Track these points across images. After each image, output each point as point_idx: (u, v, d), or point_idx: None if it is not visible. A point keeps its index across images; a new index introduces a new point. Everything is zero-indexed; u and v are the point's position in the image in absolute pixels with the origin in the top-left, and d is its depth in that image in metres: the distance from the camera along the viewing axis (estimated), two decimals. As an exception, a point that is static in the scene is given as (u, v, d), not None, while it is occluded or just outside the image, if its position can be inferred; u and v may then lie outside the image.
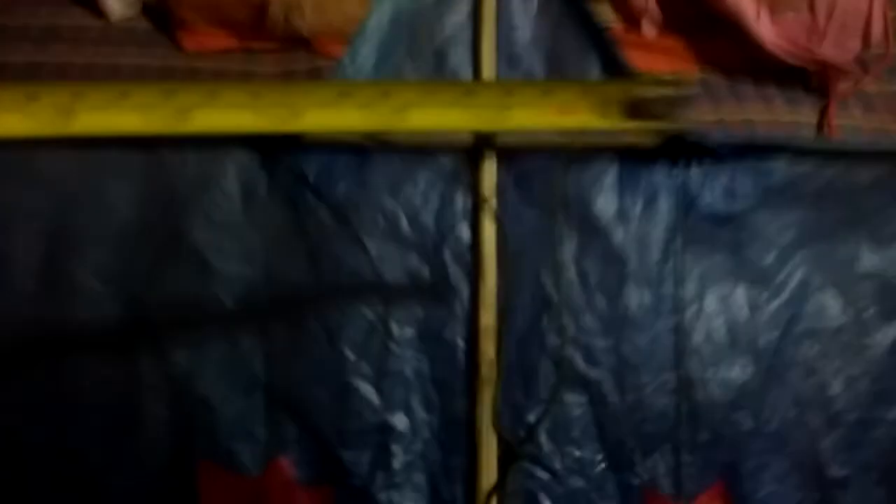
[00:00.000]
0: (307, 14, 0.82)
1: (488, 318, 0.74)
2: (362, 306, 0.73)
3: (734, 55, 0.85)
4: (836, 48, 0.85)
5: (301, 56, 0.84)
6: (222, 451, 0.71)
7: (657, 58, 0.87)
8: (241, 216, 0.75)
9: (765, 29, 0.84)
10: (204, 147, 0.75)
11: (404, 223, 0.75)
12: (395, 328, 0.73)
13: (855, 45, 0.85)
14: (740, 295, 0.78)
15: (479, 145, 0.76)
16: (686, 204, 0.79)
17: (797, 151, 0.81)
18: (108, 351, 0.73)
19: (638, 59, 0.86)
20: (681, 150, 0.80)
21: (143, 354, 0.73)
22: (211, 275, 0.74)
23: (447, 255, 0.75)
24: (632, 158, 0.80)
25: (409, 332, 0.73)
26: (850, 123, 0.84)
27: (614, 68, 0.82)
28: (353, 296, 0.74)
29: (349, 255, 0.74)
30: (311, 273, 0.74)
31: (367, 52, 0.78)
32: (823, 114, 0.83)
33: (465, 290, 0.74)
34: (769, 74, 0.85)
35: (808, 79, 0.85)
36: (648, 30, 0.87)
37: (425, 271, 0.75)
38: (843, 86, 0.85)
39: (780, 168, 0.81)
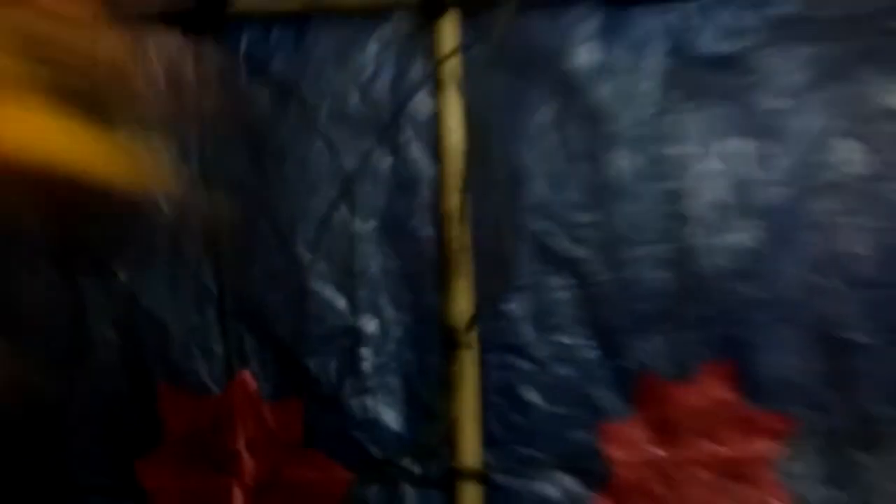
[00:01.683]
0: None
1: (455, 200, 0.65)
2: (315, 199, 0.65)
3: None
4: None
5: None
6: (179, 371, 0.65)
7: None
8: (167, 108, 0.65)
9: None
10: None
11: (355, 99, 0.65)
12: (355, 222, 0.65)
13: None
14: (748, 149, 0.68)
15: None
16: (681, 47, 0.67)
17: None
18: (42, 269, 0.66)
19: None
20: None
21: (79, 270, 0.66)
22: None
23: (406, 133, 0.65)
24: (617, -1, 0.67)
25: (372, 224, 0.65)
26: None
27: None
28: (303, 188, 0.66)
29: (295, 140, 0.65)
30: (254, 165, 0.65)
31: None
32: None
33: (429, 171, 0.65)
34: None
35: None
36: None
37: (383, 153, 0.65)
38: None
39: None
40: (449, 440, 0.63)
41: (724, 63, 0.68)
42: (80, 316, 0.67)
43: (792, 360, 0.66)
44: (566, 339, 0.65)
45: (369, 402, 0.64)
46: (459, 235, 0.64)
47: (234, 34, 0.65)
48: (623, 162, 0.66)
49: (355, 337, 0.65)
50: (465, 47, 0.65)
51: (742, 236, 0.66)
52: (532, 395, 0.64)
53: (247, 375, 0.65)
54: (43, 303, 0.67)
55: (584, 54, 0.66)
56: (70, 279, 0.67)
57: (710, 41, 0.67)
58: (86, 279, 0.67)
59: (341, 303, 0.65)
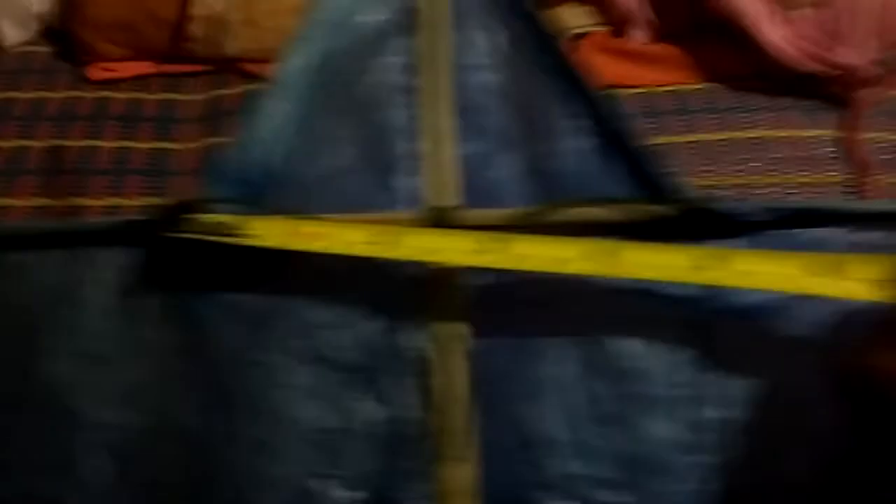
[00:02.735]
0: (234, 31, 0.70)
1: (460, 473, 0.51)
2: (288, 463, 0.51)
3: (740, 62, 0.73)
4: (854, 50, 0.73)
5: (230, 80, 0.72)
6: None
7: (649, 68, 0.75)
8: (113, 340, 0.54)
9: (772, 32, 0.73)
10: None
11: (341, 340, 0.54)
12: (336, 492, 0.51)
13: (875, 44, 0.74)
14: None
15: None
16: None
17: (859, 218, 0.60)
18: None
19: (625, 71, 0.74)
20: (701, 224, 0.58)
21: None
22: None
23: (403, 381, 0.54)
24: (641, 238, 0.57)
25: (357, 497, 0.51)
26: (877, 136, 0.73)
27: (605, 118, 0.58)
28: (274, 449, 0.51)
29: (266, 389, 0.53)
30: (215, 418, 0.52)
31: (281, 106, 0.56)
32: (846, 127, 0.71)
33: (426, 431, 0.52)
34: (781, 83, 0.73)
35: (826, 86, 0.73)
36: (637, 36, 0.75)
37: (374, 407, 0.52)
38: (864, 93, 0.74)
39: (833, 240, 0.58)
40: None
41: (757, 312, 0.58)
42: None
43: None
44: None
45: None
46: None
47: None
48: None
49: None
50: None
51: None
52: None
53: None
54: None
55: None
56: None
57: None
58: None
59: None
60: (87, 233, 0.49)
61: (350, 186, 0.52)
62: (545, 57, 0.55)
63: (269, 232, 0.44)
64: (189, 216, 0.47)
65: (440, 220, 0.45)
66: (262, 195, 0.51)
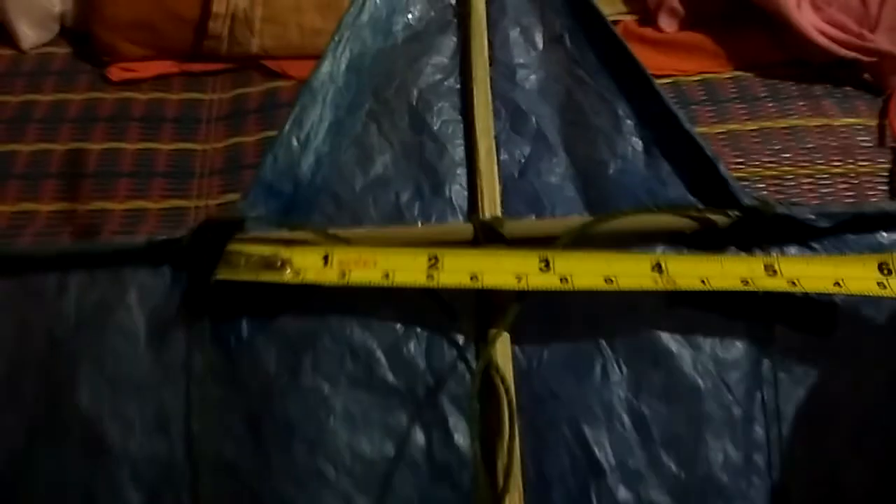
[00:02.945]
0: (257, 28, 0.69)
1: (507, 502, 0.49)
2: (327, 493, 0.49)
3: (770, 50, 0.72)
4: (887, 36, 0.72)
5: (253, 77, 0.71)
6: None
7: (677, 56, 0.74)
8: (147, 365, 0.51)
9: (807, 16, 0.71)
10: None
11: (382, 363, 0.51)
12: None
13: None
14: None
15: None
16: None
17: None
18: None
19: (656, 59, 0.73)
20: (759, 232, 0.55)
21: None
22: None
23: (447, 407, 0.52)
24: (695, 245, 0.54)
25: None
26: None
27: (652, 116, 0.57)
28: (311, 477, 0.50)
29: (304, 414, 0.51)
30: (251, 446, 0.51)
31: (318, 113, 0.54)
32: (883, 114, 0.70)
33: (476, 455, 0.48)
34: (813, 70, 0.72)
35: (858, 73, 0.72)
36: (667, 24, 0.74)
37: (417, 433, 0.50)
38: (898, 80, 0.72)
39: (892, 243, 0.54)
40: None
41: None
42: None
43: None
44: None
45: None
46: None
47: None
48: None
49: None
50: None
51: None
52: None
53: None
54: None
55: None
56: None
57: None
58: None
59: None
60: (112, 254, 0.48)
61: (391, 197, 0.50)
62: (593, 55, 0.53)
63: (309, 264, 0.42)
64: (222, 240, 0.45)
65: (487, 232, 0.44)
66: (299, 209, 0.49)
